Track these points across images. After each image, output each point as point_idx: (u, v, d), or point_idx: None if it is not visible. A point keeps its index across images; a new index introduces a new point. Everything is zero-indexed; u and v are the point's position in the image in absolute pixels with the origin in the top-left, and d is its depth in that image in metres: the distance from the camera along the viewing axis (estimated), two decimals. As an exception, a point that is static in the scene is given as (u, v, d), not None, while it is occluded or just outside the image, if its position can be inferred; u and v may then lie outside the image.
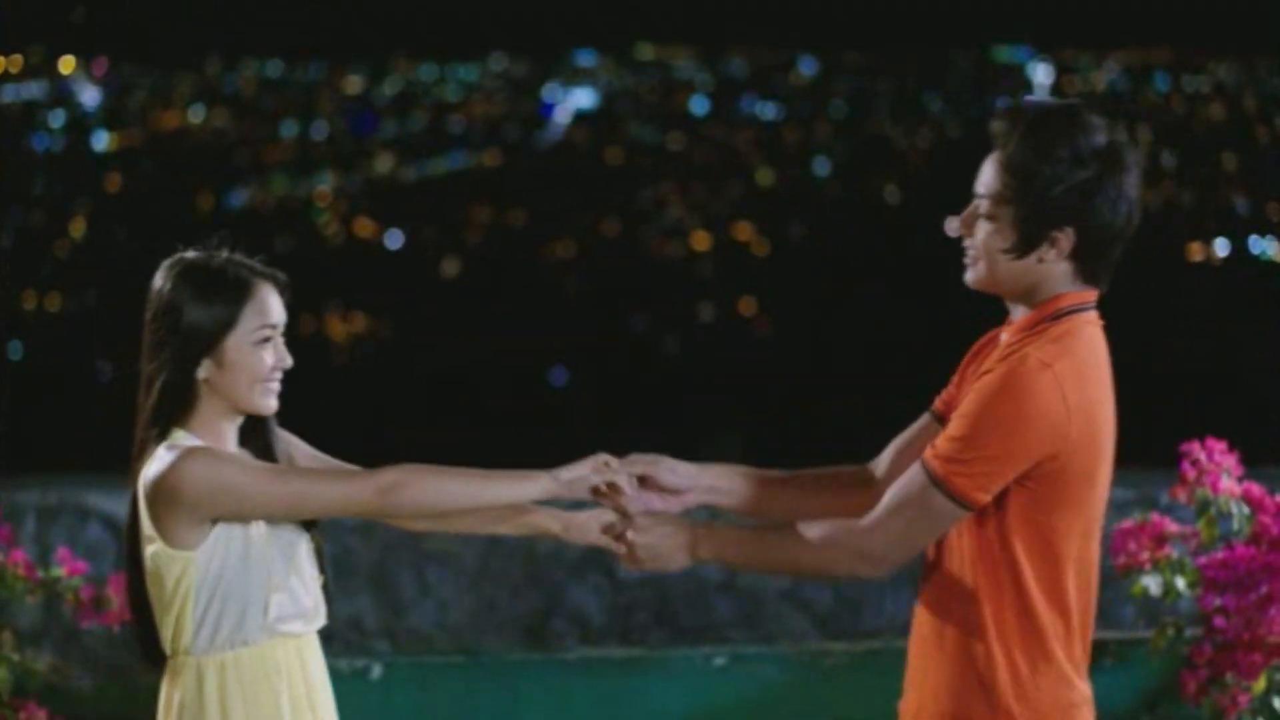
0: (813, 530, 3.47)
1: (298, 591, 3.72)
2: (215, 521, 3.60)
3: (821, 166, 56.20)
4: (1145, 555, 4.62)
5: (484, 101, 58.76)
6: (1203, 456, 4.65)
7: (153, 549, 3.62)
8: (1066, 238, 3.42)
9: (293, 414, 3.93)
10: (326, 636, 3.79)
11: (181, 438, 3.67)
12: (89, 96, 56.29)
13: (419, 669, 5.97)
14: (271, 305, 3.70)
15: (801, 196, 52.89)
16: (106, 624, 4.86)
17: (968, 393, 3.47)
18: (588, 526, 3.90)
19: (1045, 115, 3.44)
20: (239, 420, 3.75)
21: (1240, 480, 4.62)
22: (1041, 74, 60.22)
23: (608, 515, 3.81)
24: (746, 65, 60.51)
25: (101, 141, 55.36)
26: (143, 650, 3.74)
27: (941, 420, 3.66)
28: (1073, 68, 60.05)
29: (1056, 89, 59.82)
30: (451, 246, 49.33)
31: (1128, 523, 4.62)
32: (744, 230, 49.46)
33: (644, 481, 3.82)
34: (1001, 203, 3.44)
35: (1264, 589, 4.40)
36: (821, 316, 38.55)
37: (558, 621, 7.74)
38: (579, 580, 7.86)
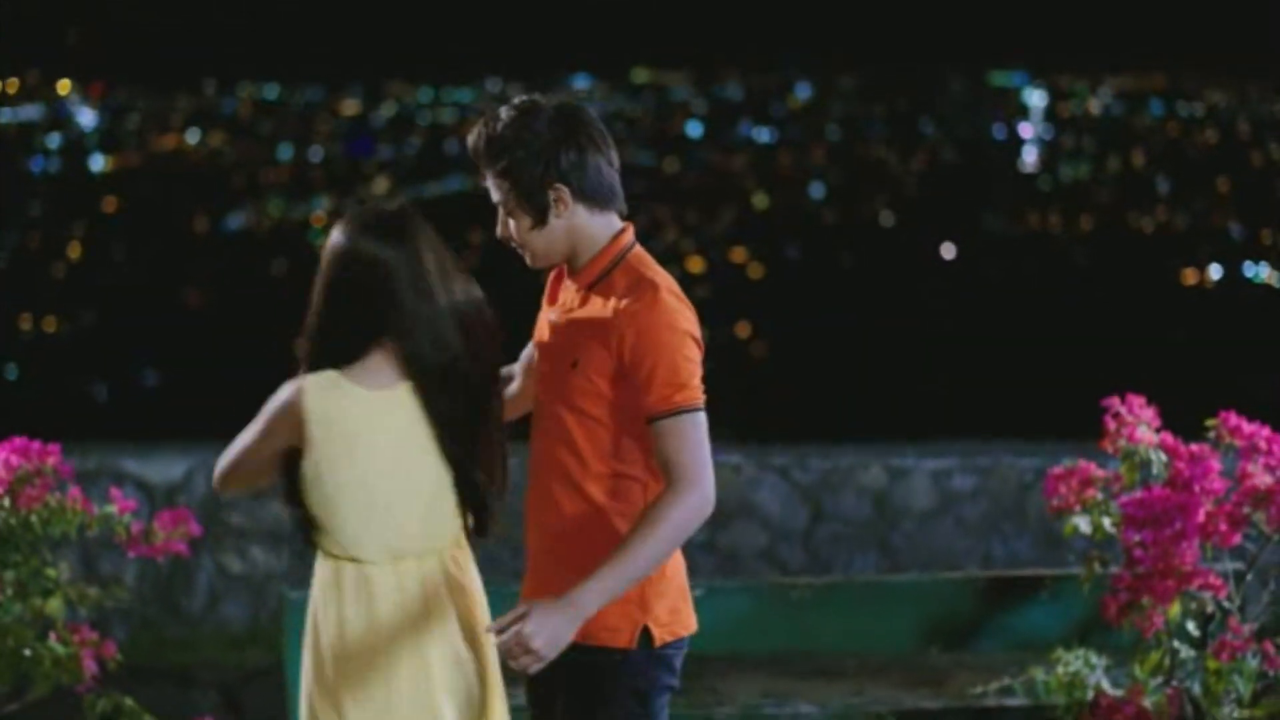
0: (659, 514, 3.93)
1: None
2: None
3: (817, 190, 56.43)
4: (1074, 498, 5.12)
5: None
6: (1123, 410, 5.16)
7: None
8: (563, 191, 4.14)
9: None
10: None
11: None
12: (86, 118, 56.33)
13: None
14: None
15: (797, 220, 53.04)
16: (153, 555, 5.25)
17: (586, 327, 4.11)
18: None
19: (497, 120, 4.19)
20: None
21: (1157, 431, 5.13)
22: (1036, 99, 60.37)
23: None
24: (741, 89, 60.71)
25: (98, 163, 55.37)
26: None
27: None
28: (1068, 93, 60.19)
29: (1051, 114, 59.96)
30: (448, 269, 49.31)
31: (1058, 469, 5.11)
32: (739, 254, 49.59)
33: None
34: (509, 197, 4.20)
35: (1177, 525, 4.91)
36: (817, 339, 38.70)
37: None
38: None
